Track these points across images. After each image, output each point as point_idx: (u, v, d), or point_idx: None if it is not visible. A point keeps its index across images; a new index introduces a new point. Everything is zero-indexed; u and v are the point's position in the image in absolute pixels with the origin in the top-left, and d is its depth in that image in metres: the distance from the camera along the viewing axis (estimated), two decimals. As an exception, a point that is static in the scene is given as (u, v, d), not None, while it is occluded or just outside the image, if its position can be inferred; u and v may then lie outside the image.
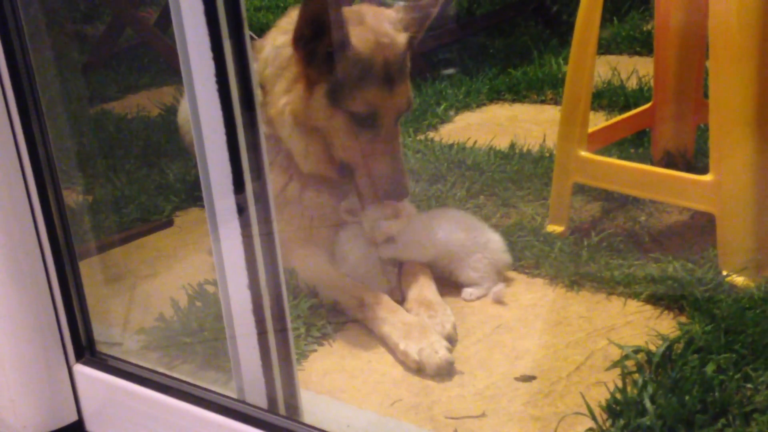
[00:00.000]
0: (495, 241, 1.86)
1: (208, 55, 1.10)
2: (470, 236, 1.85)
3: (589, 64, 1.96)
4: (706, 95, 2.11)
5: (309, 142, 1.84)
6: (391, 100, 1.78)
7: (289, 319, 1.27)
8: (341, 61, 1.74)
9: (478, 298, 1.81)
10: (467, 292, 1.82)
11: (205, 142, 1.18)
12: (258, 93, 1.86)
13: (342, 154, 1.82)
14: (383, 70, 1.76)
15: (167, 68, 3.48)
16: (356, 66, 1.74)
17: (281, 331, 1.26)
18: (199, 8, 1.07)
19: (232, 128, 1.15)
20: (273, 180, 1.88)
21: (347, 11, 1.80)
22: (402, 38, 1.81)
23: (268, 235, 1.22)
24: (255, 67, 1.92)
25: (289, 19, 1.87)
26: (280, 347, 1.26)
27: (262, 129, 1.20)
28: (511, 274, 1.89)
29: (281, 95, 1.83)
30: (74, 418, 1.45)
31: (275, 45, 1.88)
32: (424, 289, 1.77)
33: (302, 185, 1.89)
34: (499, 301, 1.80)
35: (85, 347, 1.43)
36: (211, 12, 1.08)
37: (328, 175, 1.88)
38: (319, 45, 1.73)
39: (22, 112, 1.33)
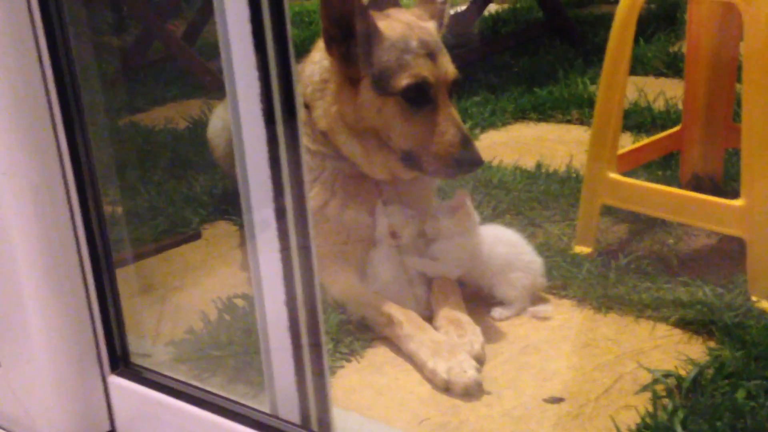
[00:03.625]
0: (536, 262, 1.86)
1: (254, 74, 1.11)
2: (513, 252, 1.84)
3: (621, 85, 1.97)
4: (735, 119, 2.11)
5: (367, 145, 1.85)
6: (436, 69, 1.80)
7: (323, 334, 1.27)
8: (377, 51, 1.79)
9: (508, 318, 1.81)
10: (497, 311, 1.82)
11: (246, 157, 1.19)
12: (302, 112, 1.90)
13: (403, 143, 1.82)
14: (420, 47, 1.80)
15: (194, 81, 3.51)
16: (392, 50, 1.78)
17: (315, 346, 1.27)
18: (247, 30, 1.09)
19: (274, 145, 1.16)
20: (314, 196, 1.89)
21: (372, 13, 1.84)
22: (430, 25, 1.87)
23: (305, 250, 1.23)
24: (299, 88, 1.96)
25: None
26: (314, 363, 1.27)
27: (304, 145, 1.22)
28: (539, 294, 1.89)
29: (330, 105, 1.85)
30: (107, 428, 1.46)
31: (314, 62, 1.90)
32: (453, 307, 1.77)
33: (342, 203, 1.89)
34: (539, 318, 1.80)
35: (119, 358, 1.44)
36: (258, 31, 1.10)
37: (398, 175, 1.89)
38: (351, 42, 1.78)
39: (66, 121, 1.35)
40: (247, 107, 1.15)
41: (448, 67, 1.83)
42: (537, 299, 1.86)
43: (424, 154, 1.80)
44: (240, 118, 1.17)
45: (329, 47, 1.80)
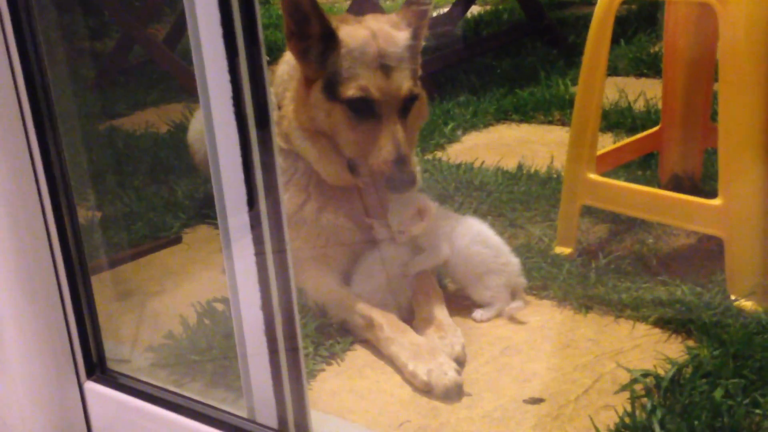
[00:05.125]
0: (513, 264, 1.85)
1: (225, 77, 1.11)
2: (489, 254, 1.84)
3: (599, 86, 1.97)
4: (713, 119, 2.12)
5: (321, 149, 1.85)
6: (386, 85, 1.78)
7: (300, 338, 1.27)
8: (331, 55, 1.78)
9: (489, 319, 1.81)
10: (478, 313, 1.82)
11: (220, 161, 1.18)
12: (275, 113, 1.90)
13: (346, 149, 1.83)
14: (375, 59, 1.78)
15: (175, 85, 3.50)
16: (346, 58, 1.78)
17: (292, 350, 1.26)
18: (218, 32, 1.09)
19: (246, 148, 1.16)
20: (290, 198, 1.89)
21: (342, 17, 1.85)
22: (401, 35, 1.84)
23: (281, 254, 1.22)
24: (272, 89, 1.97)
25: None
26: (291, 367, 1.26)
27: (277, 147, 1.21)
28: (519, 295, 1.89)
29: (289, 103, 1.87)
30: (84, 435, 1.46)
31: (285, 60, 1.92)
32: (434, 309, 1.77)
33: (320, 205, 1.89)
34: (512, 318, 1.80)
35: (95, 364, 1.44)
36: (229, 35, 1.09)
37: (352, 184, 1.89)
38: (310, 42, 1.78)
39: (37, 126, 1.34)
40: (219, 112, 1.15)
41: (401, 83, 1.80)
42: (519, 298, 1.86)
43: (362, 165, 1.81)
44: (213, 122, 1.17)
45: (289, 40, 1.80)
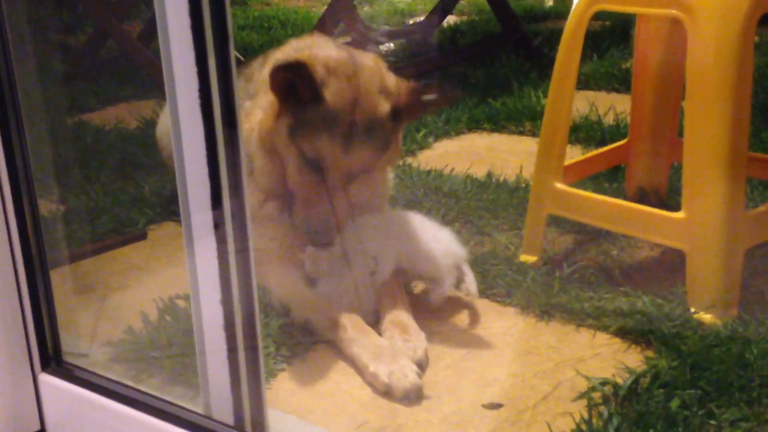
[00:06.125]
0: (444, 234, 1.89)
1: (192, 70, 1.10)
2: (418, 232, 1.86)
3: (568, 98, 1.99)
4: (681, 134, 2.15)
5: (269, 162, 1.84)
6: (342, 159, 1.76)
7: (260, 336, 1.26)
8: (310, 106, 1.74)
9: (444, 296, 1.83)
10: (432, 294, 1.83)
11: (185, 157, 1.18)
12: (249, 104, 1.90)
13: (289, 182, 1.82)
14: (346, 130, 1.75)
15: (148, 82, 3.48)
16: (321, 115, 1.74)
17: (251, 348, 1.26)
18: (186, 23, 1.08)
19: (212, 144, 1.15)
20: (250, 195, 1.88)
21: (344, 62, 1.78)
22: (384, 106, 1.79)
23: (243, 252, 1.22)
24: (241, 83, 1.96)
25: (284, 52, 1.90)
26: (250, 365, 1.26)
27: (243, 146, 1.21)
28: (483, 302, 1.90)
29: (254, 113, 1.85)
30: (37, 427, 1.44)
31: (262, 65, 1.90)
32: (400, 313, 1.77)
33: (281, 204, 1.88)
34: (469, 294, 1.83)
35: (51, 356, 1.42)
36: (198, 27, 1.09)
37: (280, 194, 1.88)
38: (293, 89, 1.74)
39: (0, 121, 1.33)
40: (186, 108, 1.14)
41: (357, 161, 1.78)
42: (461, 276, 1.87)
43: (296, 205, 1.82)
44: (179, 119, 1.16)
45: (272, 78, 1.74)
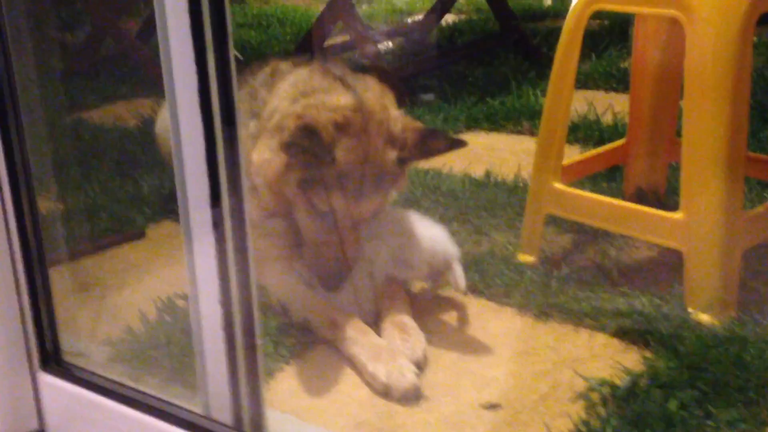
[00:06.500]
0: (437, 231, 1.90)
1: (192, 68, 1.10)
2: (410, 230, 1.88)
3: (566, 98, 1.99)
4: (678, 134, 2.15)
5: (274, 197, 1.84)
6: (354, 209, 1.77)
7: (259, 336, 1.26)
8: (319, 165, 1.73)
9: (439, 287, 1.90)
10: (428, 286, 1.90)
11: (184, 155, 1.18)
12: (254, 124, 1.88)
13: (299, 223, 1.83)
14: (356, 183, 1.75)
15: (146, 80, 3.48)
16: (331, 173, 1.73)
17: (250, 348, 1.26)
18: (185, 22, 1.08)
19: (211, 142, 1.15)
20: (252, 210, 1.87)
21: (353, 115, 1.76)
22: (391, 155, 1.78)
23: (242, 251, 1.22)
24: (244, 96, 1.95)
25: (291, 96, 1.86)
26: (249, 364, 1.26)
27: (241, 146, 1.21)
28: (481, 301, 1.90)
29: (261, 147, 1.82)
30: (36, 427, 1.44)
31: (266, 83, 1.93)
32: (400, 312, 1.77)
33: (283, 220, 1.87)
34: (458, 290, 1.85)
35: (50, 355, 1.42)
36: (197, 26, 1.09)
37: (282, 213, 1.87)
38: (303, 150, 1.73)
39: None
40: (185, 106, 1.14)
41: (367, 208, 1.78)
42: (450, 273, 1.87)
43: (308, 248, 1.83)
44: (178, 117, 1.16)
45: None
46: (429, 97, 3.29)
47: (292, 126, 1.72)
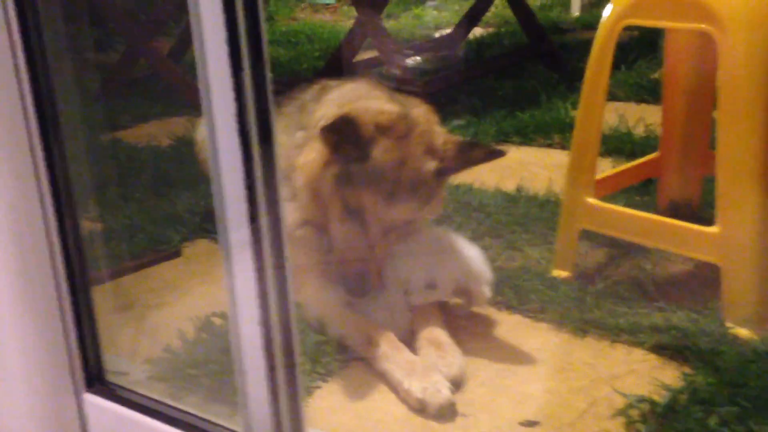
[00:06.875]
0: (472, 254, 1.90)
1: (229, 88, 1.12)
2: (448, 251, 1.88)
3: (598, 111, 1.99)
4: (712, 146, 2.14)
5: (312, 200, 1.87)
6: (384, 213, 1.79)
7: (298, 355, 1.27)
8: (356, 161, 1.77)
9: (472, 305, 1.88)
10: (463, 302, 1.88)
11: (222, 174, 1.19)
12: (300, 135, 1.93)
13: (330, 226, 1.85)
14: (390, 187, 1.77)
15: (179, 99, 3.52)
16: (367, 171, 1.76)
17: (290, 367, 1.26)
18: (224, 49, 1.10)
19: (249, 163, 1.17)
20: (289, 216, 1.90)
21: (395, 121, 1.79)
22: (430, 165, 1.80)
23: (280, 270, 1.23)
24: (293, 110, 1.98)
25: (338, 101, 1.92)
26: (288, 383, 1.26)
27: (279, 163, 1.22)
28: (516, 317, 1.90)
29: (307, 151, 1.87)
30: (80, 447, 1.46)
31: (316, 98, 1.96)
32: (435, 329, 1.78)
33: (318, 229, 1.90)
34: (480, 306, 1.87)
35: (95, 376, 1.44)
36: (235, 52, 1.10)
37: (318, 223, 1.91)
38: (342, 143, 1.77)
39: (43, 136, 1.35)
40: (223, 128, 1.16)
41: (399, 216, 1.80)
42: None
43: (335, 251, 1.85)
44: (216, 138, 1.18)
45: (322, 132, 1.78)
46: (459, 122, 3.28)
47: (334, 115, 1.76)
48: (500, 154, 1.86)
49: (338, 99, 1.94)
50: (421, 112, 1.88)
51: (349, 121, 1.74)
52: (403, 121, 1.81)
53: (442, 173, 1.83)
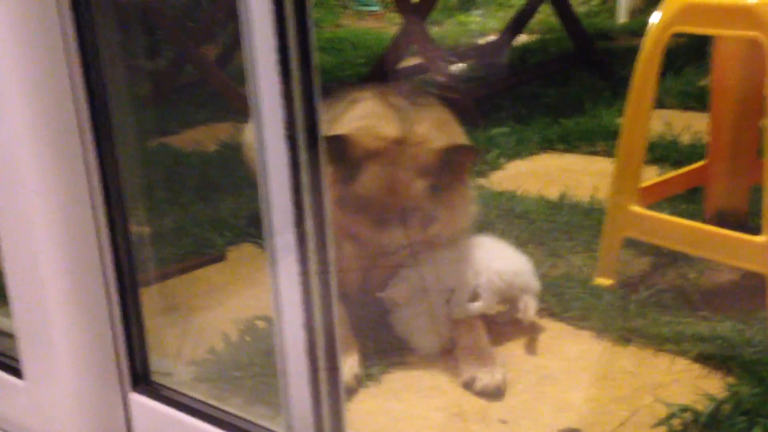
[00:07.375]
0: (518, 263, 1.90)
1: (278, 102, 1.14)
2: (491, 261, 1.87)
3: (645, 118, 1.98)
4: (760, 155, 2.11)
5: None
6: (373, 237, 1.80)
7: (340, 358, 1.29)
8: (346, 182, 1.79)
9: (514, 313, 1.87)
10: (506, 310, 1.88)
11: (269, 179, 1.21)
12: None
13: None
14: (377, 212, 1.79)
15: (225, 105, 3.57)
16: (354, 193, 1.79)
17: (332, 369, 1.28)
18: (273, 59, 1.12)
19: (296, 167, 1.18)
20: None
21: (388, 144, 1.80)
22: (418, 185, 1.79)
23: (325, 274, 1.24)
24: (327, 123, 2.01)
25: (362, 109, 1.94)
26: (331, 386, 1.28)
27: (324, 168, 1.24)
28: (558, 325, 1.90)
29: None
30: (126, 446, 1.49)
31: (344, 110, 1.97)
32: (476, 338, 1.78)
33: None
34: (526, 319, 1.84)
35: (141, 376, 1.47)
36: (285, 63, 1.12)
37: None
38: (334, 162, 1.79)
39: (96, 141, 1.39)
40: (271, 134, 1.18)
41: (394, 241, 1.81)
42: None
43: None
44: (264, 143, 1.20)
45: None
46: (502, 129, 3.27)
47: (328, 135, 1.77)
48: (470, 148, 1.89)
49: (348, 117, 1.93)
50: (426, 128, 1.85)
51: (338, 139, 1.77)
52: (397, 147, 1.80)
53: (436, 188, 1.82)
